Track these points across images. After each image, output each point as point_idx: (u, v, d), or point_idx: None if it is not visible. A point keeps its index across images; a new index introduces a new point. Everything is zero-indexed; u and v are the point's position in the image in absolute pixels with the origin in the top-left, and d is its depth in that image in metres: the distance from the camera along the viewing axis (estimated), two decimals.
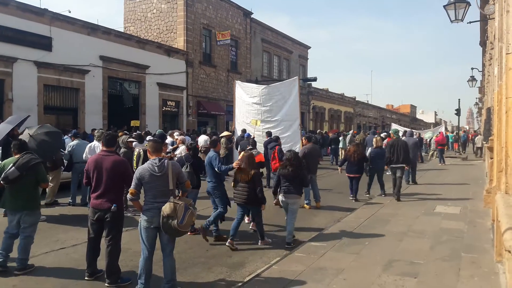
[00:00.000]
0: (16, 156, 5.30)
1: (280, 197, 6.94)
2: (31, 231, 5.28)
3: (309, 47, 39.94)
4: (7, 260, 5.19)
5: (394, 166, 10.84)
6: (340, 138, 21.53)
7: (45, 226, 7.56)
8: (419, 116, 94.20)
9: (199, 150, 9.19)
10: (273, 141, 11.59)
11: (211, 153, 7.15)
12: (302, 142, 10.21)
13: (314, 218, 8.71)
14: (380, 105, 63.56)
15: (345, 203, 10.28)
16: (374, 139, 11.64)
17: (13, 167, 5.08)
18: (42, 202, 9.01)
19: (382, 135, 20.48)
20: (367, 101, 56.98)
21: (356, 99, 50.80)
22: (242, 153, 6.95)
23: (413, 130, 19.30)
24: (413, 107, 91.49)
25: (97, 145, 8.99)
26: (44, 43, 15.98)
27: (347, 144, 19.87)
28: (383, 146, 11.89)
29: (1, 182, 5.13)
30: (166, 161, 4.65)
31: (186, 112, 23.86)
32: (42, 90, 16.01)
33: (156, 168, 4.53)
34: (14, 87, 14.93)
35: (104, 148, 5.07)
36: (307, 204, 9.73)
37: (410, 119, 77.79)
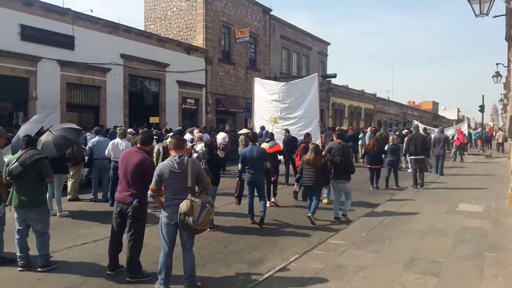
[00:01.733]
0: (21, 152, 5.37)
1: (332, 182, 8.26)
2: (42, 228, 5.27)
3: (329, 44, 39.59)
4: (29, 259, 5.27)
5: (414, 157, 12.01)
6: (360, 136, 21.29)
7: (68, 222, 7.73)
8: (441, 112, 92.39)
9: (217, 147, 9.28)
10: (301, 139, 11.74)
11: (261, 149, 8.28)
12: (333, 138, 10.31)
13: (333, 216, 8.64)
14: (401, 102, 62.67)
15: (366, 200, 10.18)
16: (390, 138, 12.81)
17: (16, 162, 5.13)
18: (65, 198, 9.26)
19: (403, 132, 20.29)
20: (388, 97, 56.19)
21: (377, 96, 50.16)
22: (311, 146, 8.11)
23: (444, 128, 20.16)
24: (435, 104, 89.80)
25: (120, 142, 9.13)
26: (67, 42, 16.26)
27: (367, 141, 19.68)
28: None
29: (7, 178, 5.19)
30: (186, 158, 4.68)
31: (205, 110, 24.00)
32: (65, 88, 16.32)
33: (175, 164, 4.56)
34: (38, 85, 15.26)
35: (139, 145, 5.15)
36: (326, 198, 9.71)
37: (432, 116, 76.39)
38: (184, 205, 4.35)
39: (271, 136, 10.78)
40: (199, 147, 10.32)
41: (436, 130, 23.09)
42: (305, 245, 6.45)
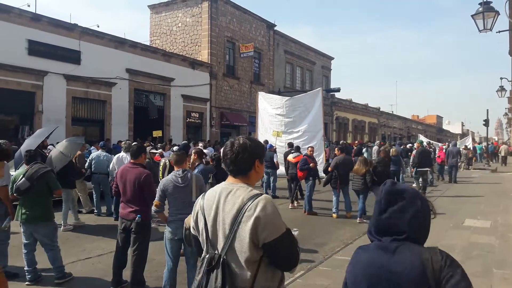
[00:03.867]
0: (26, 167, 5.38)
1: (374, 188, 9.33)
2: (50, 241, 5.25)
3: (332, 58, 39.83)
4: (36, 273, 5.25)
5: (420, 169, 13.27)
6: (364, 150, 21.25)
7: (72, 236, 7.71)
8: (445, 126, 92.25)
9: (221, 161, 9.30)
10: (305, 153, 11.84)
11: None
12: (335, 153, 10.57)
13: (339, 231, 8.58)
14: (405, 116, 62.66)
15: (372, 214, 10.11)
16: (391, 150, 13.99)
17: (23, 178, 5.15)
18: (83, 211, 9.26)
19: (408, 146, 20.44)
20: (392, 111, 56.25)
21: (381, 110, 50.21)
22: (359, 158, 9.68)
23: (457, 142, 23.23)
24: (439, 118, 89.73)
25: (124, 156, 9.13)
26: (73, 56, 16.45)
27: (372, 155, 19.70)
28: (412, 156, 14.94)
29: (14, 194, 5.20)
30: (189, 173, 4.68)
31: (209, 123, 24.08)
32: (70, 102, 16.46)
33: (179, 179, 4.56)
34: (44, 99, 15.41)
35: (131, 160, 5.14)
36: (334, 213, 9.69)
37: (437, 130, 76.23)
38: (189, 220, 4.32)
39: (297, 149, 12.02)
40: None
41: (440, 144, 24.93)
42: (310, 261, 6.38)
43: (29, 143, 7.52)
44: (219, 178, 7.27)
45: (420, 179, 13.63)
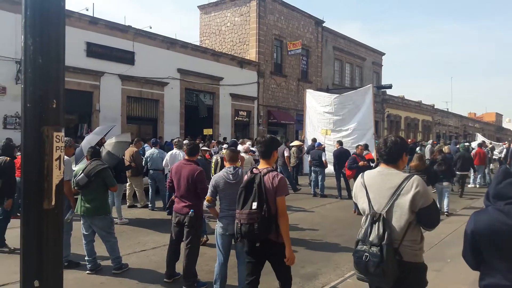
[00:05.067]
0: (87, 163, 5.70)
1: (437, 184, 10.11)
2: (107, 234, 5.54)
3: (383, 54, 38.76)
4: (96, 263, 5.59)
5: (459, 173, 13.59)
6: (417, 149, 20.53)
7: (128, 229, 8.06)
8: (505, 125, 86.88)
9: None
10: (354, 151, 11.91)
11: None
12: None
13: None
14: (461, 113, 59.79)
15: None
16: (444, 147, 13.94)
17: (82, 174, 5.45)
18: (124, 206, 9.68)
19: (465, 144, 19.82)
20: (447, 109, 53.83)
21: (435, 107, 48.22)
22: (415, 155, 9.48)
23: None
24: (499, 116, 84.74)
25: (177, 153, 9.42)
26: (128, 57, 17.14)
27: (427, 154, 19.07)
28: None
29: (75, 188, 5.54)
30: (240, 170, 4.74)
31: (256, 122, 24.24)
32: (125, 101, 17.17)
33: (230, 176, 4.63)
34: (101, 98, 16.18)
35: (186, 157, 5.33)
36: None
37: (495, 129, 72.10)
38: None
39: (366, 146, 12.20)
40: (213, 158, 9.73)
41: (500, 144, 24.20)
42: None
43: (89, 139, 7.93)
44: None
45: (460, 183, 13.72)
